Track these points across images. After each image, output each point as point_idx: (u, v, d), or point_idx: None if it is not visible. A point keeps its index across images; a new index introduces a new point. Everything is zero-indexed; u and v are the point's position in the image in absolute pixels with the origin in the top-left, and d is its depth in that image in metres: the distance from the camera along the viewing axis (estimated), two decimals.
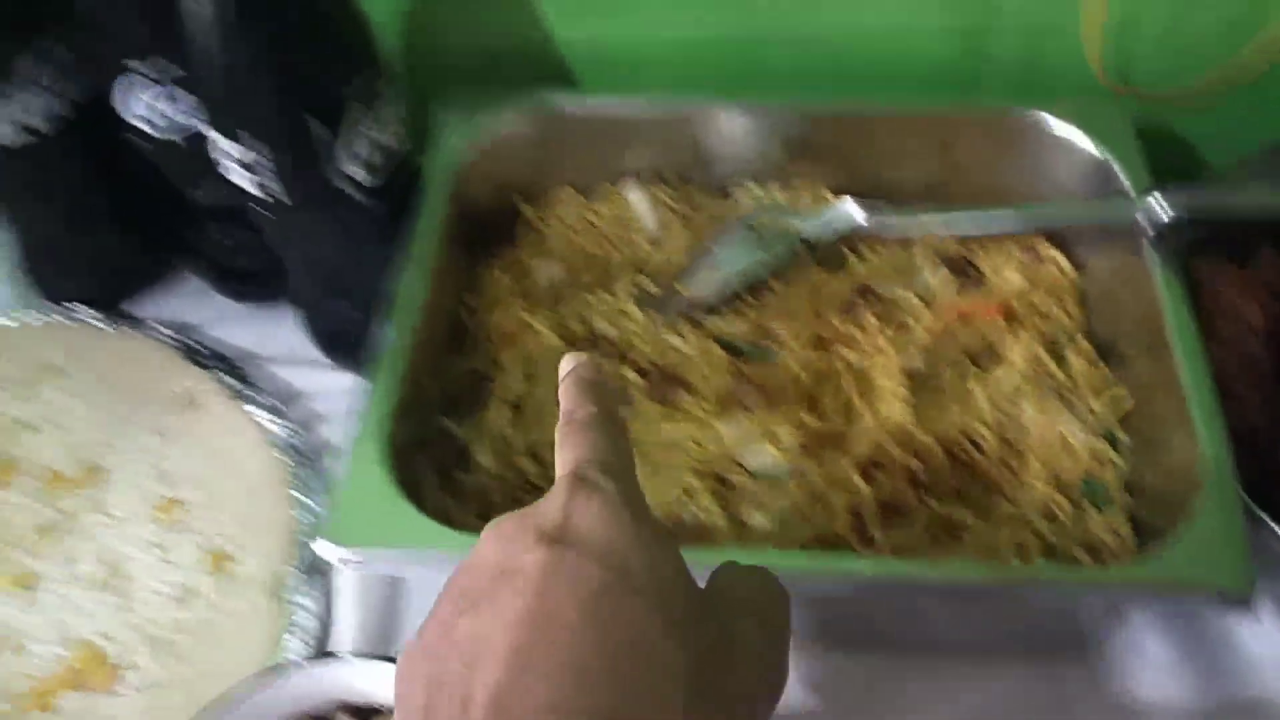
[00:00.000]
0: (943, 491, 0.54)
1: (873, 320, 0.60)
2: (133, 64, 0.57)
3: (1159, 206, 0.56)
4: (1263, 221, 0.58)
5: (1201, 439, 0.49)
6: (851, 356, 0.58)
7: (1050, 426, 0.55)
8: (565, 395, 0.37)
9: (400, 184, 0.60)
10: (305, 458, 0.63)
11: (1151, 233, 0.56)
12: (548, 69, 0.69)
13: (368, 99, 0.55)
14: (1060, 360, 0.58)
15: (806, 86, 0.67)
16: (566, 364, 0.38)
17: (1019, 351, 0.58)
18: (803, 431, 0.55)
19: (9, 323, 0.71)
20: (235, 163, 0.56)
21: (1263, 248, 0.59)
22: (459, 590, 0.31)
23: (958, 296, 0.60)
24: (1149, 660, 0.53)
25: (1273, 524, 0.49)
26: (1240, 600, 0.44)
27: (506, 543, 0.31)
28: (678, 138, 0.66)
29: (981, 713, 0.52)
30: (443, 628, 0.30)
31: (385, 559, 0.48)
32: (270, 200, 0.57)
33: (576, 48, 0.69)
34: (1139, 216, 0.56)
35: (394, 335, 0.55)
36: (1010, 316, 0.60)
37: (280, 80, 0.53)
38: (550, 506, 0.32)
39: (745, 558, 0.36)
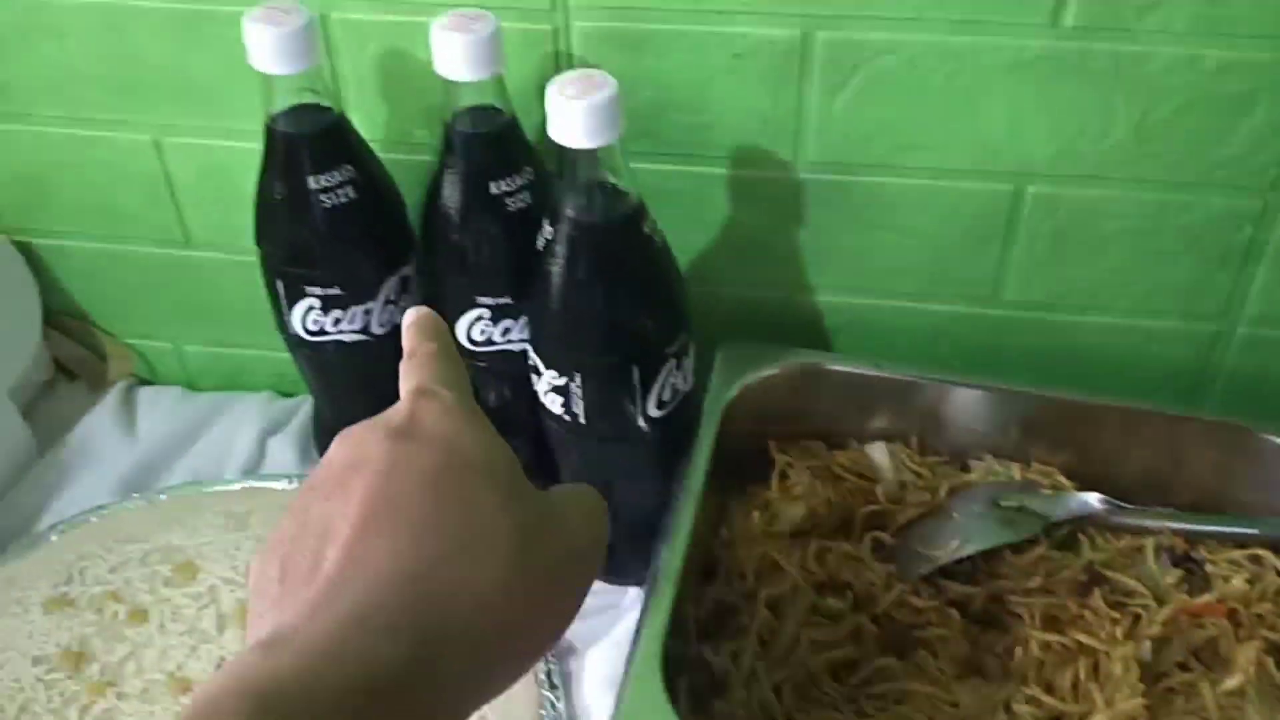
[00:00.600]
0: None
1: (1104, 606, 0.64)
2: (483, 300, 0.66)
3: None
4: None
5: None
6: (1084, 638, 0.62)
7: None
8: (407, 337, 0.41)
9: (680, 420, 0.67)
10: (554, 654, 0.68)
11: None
12: (812, 328, 0.77)
13: (680, 355, 0.63)
14: None
15: (1043, 373, 0.73)
16: (409, 315, 0.42)
17: (1244, 655, 0.61)
18: (1038, 707, 0.59)
19: (289, 485, 0.79)
20: (551, 387, 0.64)
21: None
22: (310, 486, 0.35)
23: (1185, 595, 0.64)
24: None
25: None
26: None
27: (355, 443, 0.35)
28: (920, 405, 0.72)
29: None
30: (295, 515, 0.34)
31: None
32: (569, 420, 0.65)
33: (838, 313, 0.76)
34: None
35: (670, 558, 0.61)
36: (1235, 620, 0.63)
37: (615, 332, 0.61)
38: (395, 410, 0.37)
39: None
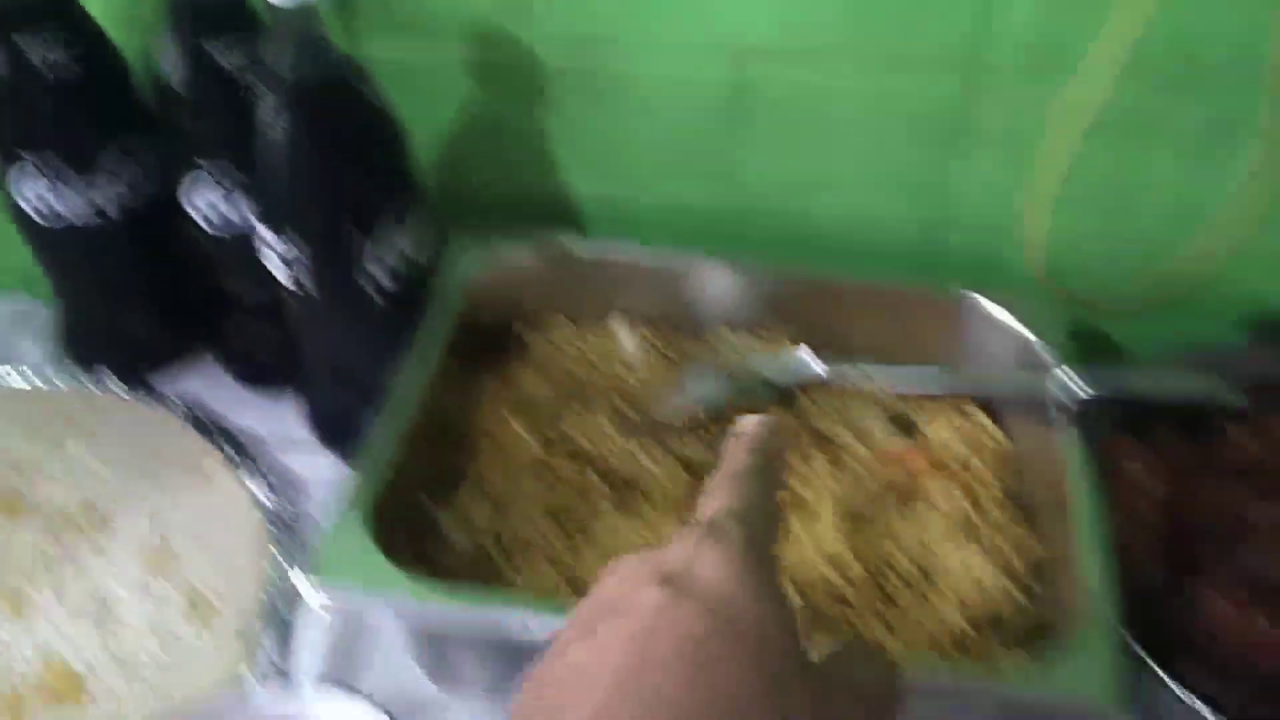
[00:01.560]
0: (865, 612, 0.59)
1: (818, 456, 0.66)
2: (203, 163, 0.66)
3: (1074, 383, 0.63)
4: (1165, 403, 0.65)
5: (1093, 588, 0.55)
6: (795, 485, 0.65)
7: (964, 564, 0.61)
8: (731, 445, 0.37)
9: (415, 293, 0.68)
10: (289, 528, 0.69)
11: (1067, 407, 0.63)
12: (561, 215, 0.78)
13: (400, 215, 0.64)
14: (980, 511, 0.64)
15: (784, 253, 0.76)
16: (741, 424, 0.38)
17: (944, 498, 0.65)
18: None
19: (41, 384, 0.78)
20: (276, 255, 0.64)
21: (1167, 428, 0.66)
22: (574, 622, 0.32)
23: (894, 445, 0.67)
24: None
25: (1156, 667, 0.54)
26: (1109, 715, 0.49)
27: (624, 580, 0.32)
28: (664, 285, 0.74)
29: None
30: (552, 657, 0.31)
31: (354, 599, 0.54)
32: (300, 293, 0.65)
33: (588, 202, 0.78)
34: (1056, 390, 0.63)
35: (384, 424, 0.61)
36: (939, 468, 0.67)
37: (330, 189, 0.61)
38: (676, 550, 0.32)
39: None
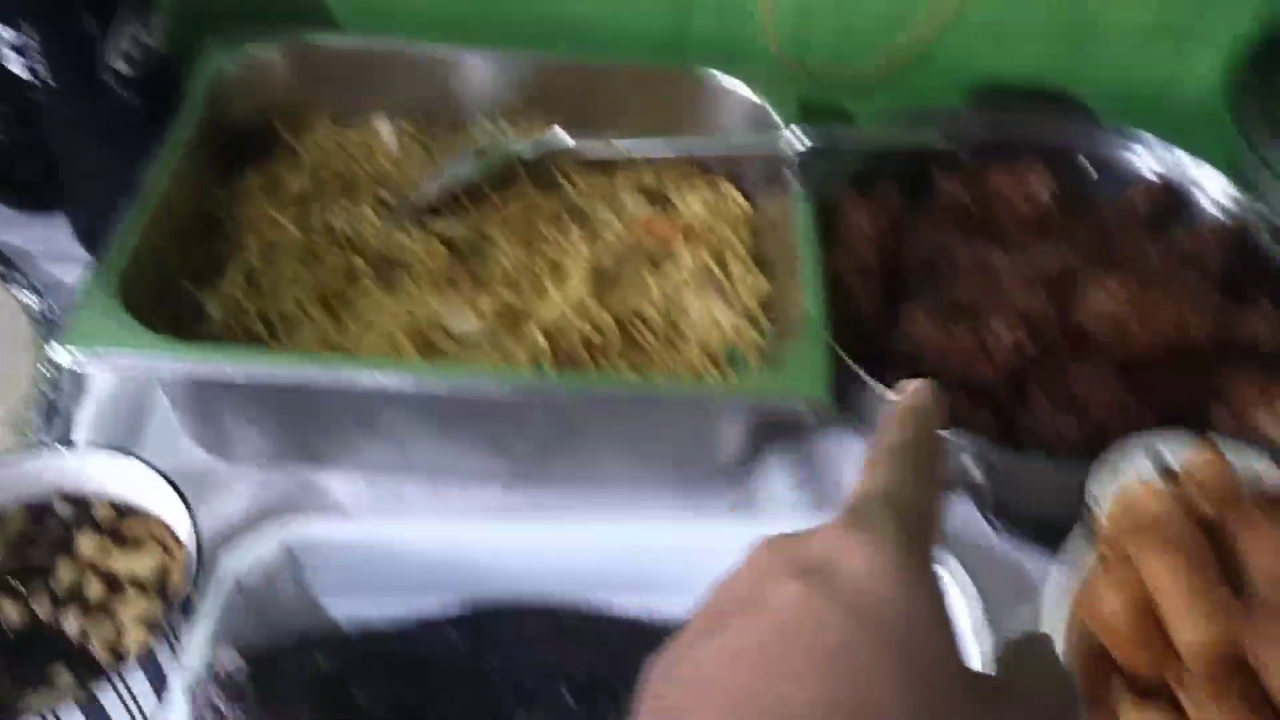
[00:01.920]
0: (613, 356, 0.64)
1: (574, 229, 0.70)
2: None
3: (801, 139, 0.68)
4: (886, 155, 0.71)
5: (810, 315, 0.61)
6: (549, 252, 0.69)
7: (706, 311, 0.66)
8: (885, 421, 0.33)
9: (161, 88, 0.68)
10: (57, 329, 0.69)
11: (796, 164, 0.69)
12: (316, 11, 0.79)
13: (138, 6, 0.64)
14: (724, 267, 0.70)
15: (541, 41, 0.78)
16: (903, 390, 0.34)
17: (691, 258, 0.69)
18: (500, 303, 0.65)
19: None
20: (9, 47, 0.63)
21: (888, 183, 0.72)
22: (704, 612, 0.29)
23: (646, 214, 0.72)
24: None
25: (864, 373, 0.60)
26: (821, 409, 0.56)
27: (760, 570, 0.29)
28: (423, 77, 0.76)
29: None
30: (679, 650, 0.28)
31: (110, 362, 0.55)
32: (39, 84, 0.64)
33: None
34: (784, 145, 0.68)
35: (133, 211, 0.62)
36: (689, 235, 0.71)
37: None
38: (820, 538, 0.29)
39: None
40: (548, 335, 0.64)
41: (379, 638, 0.53)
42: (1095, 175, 0.76)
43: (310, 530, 0.54)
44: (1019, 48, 0.80)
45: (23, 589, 0.52)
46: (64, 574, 0.53)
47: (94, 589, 0.52)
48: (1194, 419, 0.59)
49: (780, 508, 0.64)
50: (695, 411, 0.59)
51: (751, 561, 0.29)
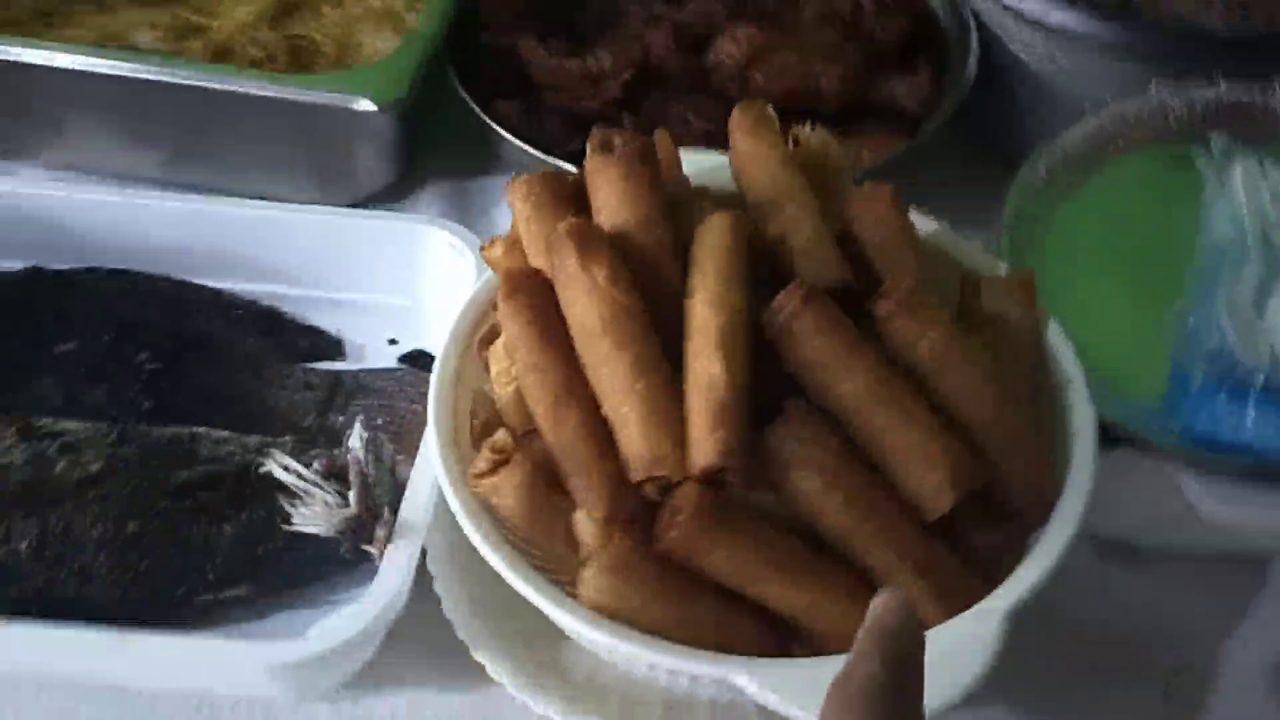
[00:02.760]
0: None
1: None
2: None
3: None
4: None
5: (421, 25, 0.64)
6: None
7: (379, 45, 0.70)
8: (857, 643, 0.29)
9: None
10: None
11: None
12: None
13: None
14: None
15: None
16: (879, 602, 0.30)
17: None
18: (180, 20, 0.71)
19: None
20: None
21: None
22: None
23: None
24: None
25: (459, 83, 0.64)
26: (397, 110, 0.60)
27: None
28: None
29: None
30: None
31: None
32: None
33: None
34: None
35: None
36: None
37: None
38: None
39: None
40: (219, 53, 0.69)
41: None
42: None
43: None
44: None
45: None
46: None
47: None
48: None
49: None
50: (288, 107, 0.63)
51: None
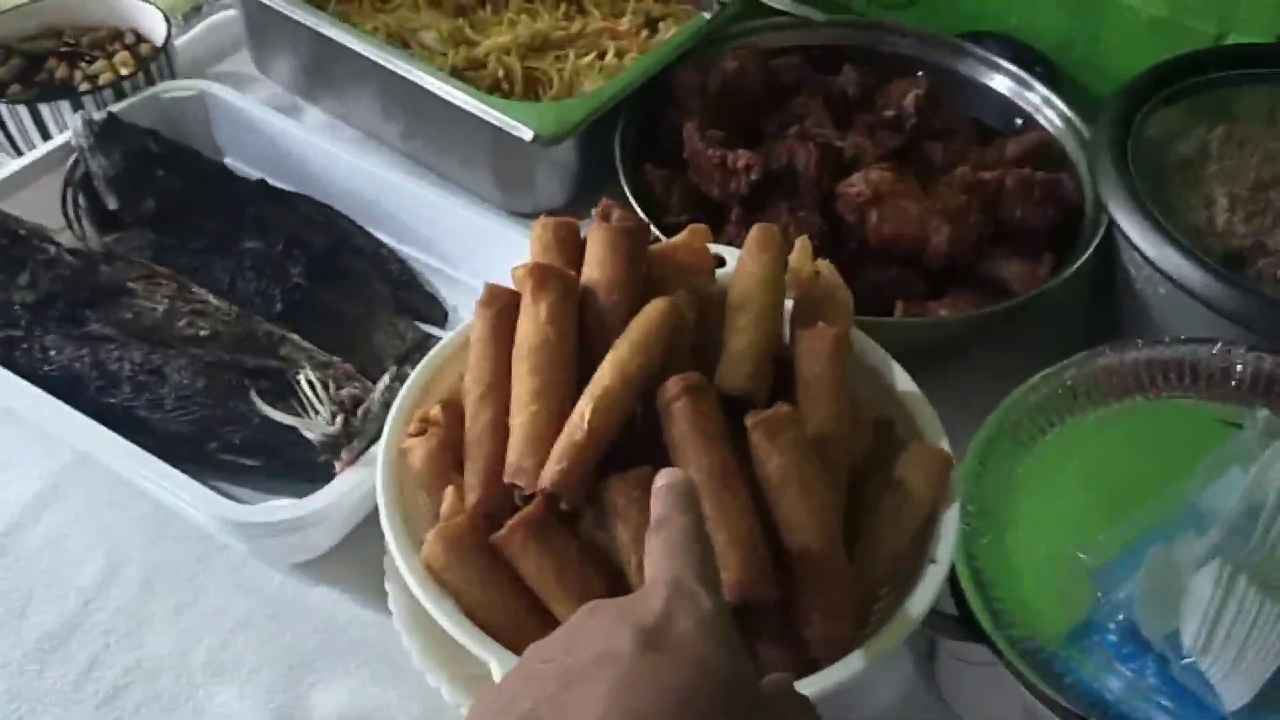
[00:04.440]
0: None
1: (564, 6, 0.88)
2: None
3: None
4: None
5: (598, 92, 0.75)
6: (522, 11, 0.88)
7: None
8: (658, 500, 0.38)
9: None
10: None
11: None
12: None
13: None
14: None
15: None
16: (662, 477, 0.40)
17: (613, 55, 0.85)
18: (456, 32, 0.86)
19: None
20: None
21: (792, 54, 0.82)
22: (559, 667, 0.33)
23: None
24: None
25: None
26: (544, 141, 0.71)
27: (606, 632, 0.34)
28: None
29: None
30: (529, 684, 0.33)
31: None
32: None
33: None
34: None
35: None
36: (629, 40, 0.87)
37: None
38: (650, 607, 0.34)
39: None
40: (472, 64, 0.84)
41: (207, 162, 0.78)
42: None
43: (229, 95, 0.80)
44: None
45: None
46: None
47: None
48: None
49: None
50: (478, 123, 0.75)
51: (590, 626, 0.35)
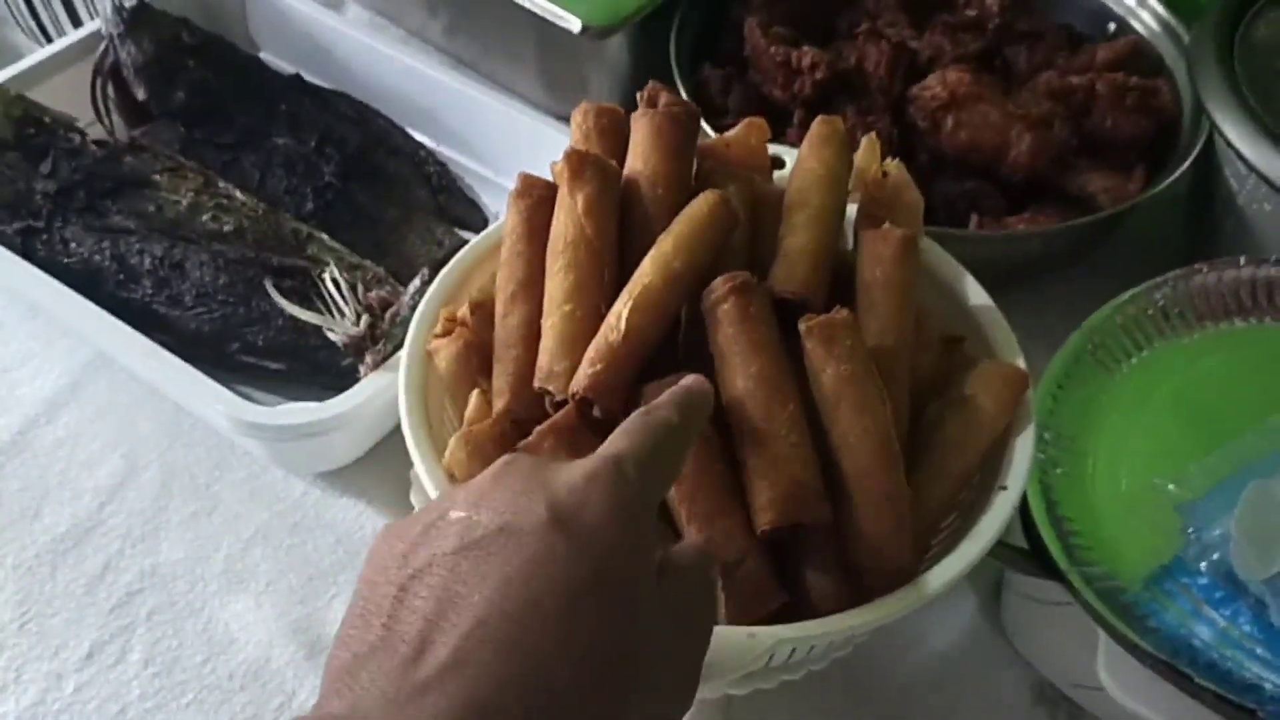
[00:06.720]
0: None
1: None
2: None
3: None
4: None
5: None
6: None
7: None
8: (665, 397, 0.37)
9: None
10: None
11: None
12: None
13: None
14: None
15: None
16: (686, 381, 0.38)
17: None
18: None
19: None
20: None
21: None
22: (465, 523, 0.32)
23: None
24: None
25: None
26: (594, 31, 0.66)
27: (517, 496, 0.32)
28: None
29: None
30: (434, 554, 0.31)
31: None
32: None
33: None
34: None
35: None
36: None
37: None
38: (572, 476, 0.33)
39: None
40: None
41: (241, 54, 0.74)
42: None
43: None
44: None
45: None
46: None
47: None
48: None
49: None
50: (524, 14, 0.70)
51: (504, 482, 0.33)
